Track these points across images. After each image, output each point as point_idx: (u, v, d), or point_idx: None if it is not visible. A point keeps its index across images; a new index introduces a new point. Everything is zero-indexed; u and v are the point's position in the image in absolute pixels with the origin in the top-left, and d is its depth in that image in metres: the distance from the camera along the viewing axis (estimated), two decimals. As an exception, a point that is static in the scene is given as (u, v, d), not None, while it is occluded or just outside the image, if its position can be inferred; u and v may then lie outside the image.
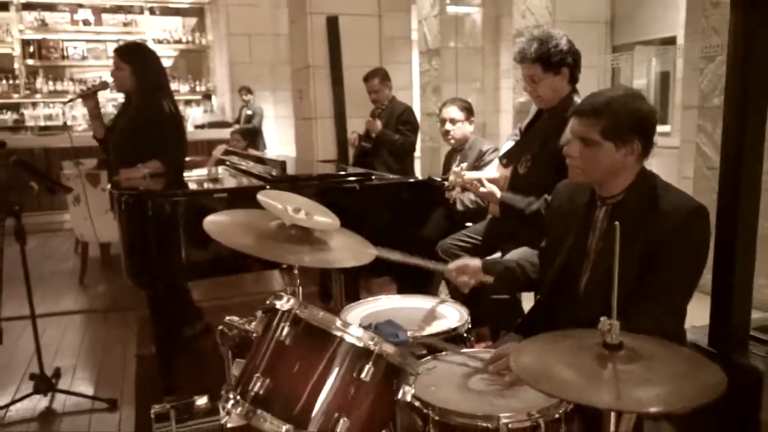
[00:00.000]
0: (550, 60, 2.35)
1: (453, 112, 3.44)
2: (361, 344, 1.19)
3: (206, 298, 4.33)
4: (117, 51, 3.15)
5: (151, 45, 8.97)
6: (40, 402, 2.91)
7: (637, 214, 1.58)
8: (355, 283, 3.24)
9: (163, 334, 2.75)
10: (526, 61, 2.39)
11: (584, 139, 1.60)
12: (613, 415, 1.15)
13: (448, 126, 3.44)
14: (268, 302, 1.33)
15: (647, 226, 1.55)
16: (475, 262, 1.93)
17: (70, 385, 3.06)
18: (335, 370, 1.19)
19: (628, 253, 1.44)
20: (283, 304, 1.27)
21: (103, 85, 3.27)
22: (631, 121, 1.56)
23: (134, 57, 3.12)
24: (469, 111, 3.44)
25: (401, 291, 2.78)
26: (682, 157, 5.76)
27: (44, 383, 2.87)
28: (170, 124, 3.16)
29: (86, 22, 9.31)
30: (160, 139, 3.08)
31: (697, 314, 1.92)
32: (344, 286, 3.16)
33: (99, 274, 5.23)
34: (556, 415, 1.34)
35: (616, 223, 1.16)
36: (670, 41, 7.43)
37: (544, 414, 1.33)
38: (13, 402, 2.84)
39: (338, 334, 1.19)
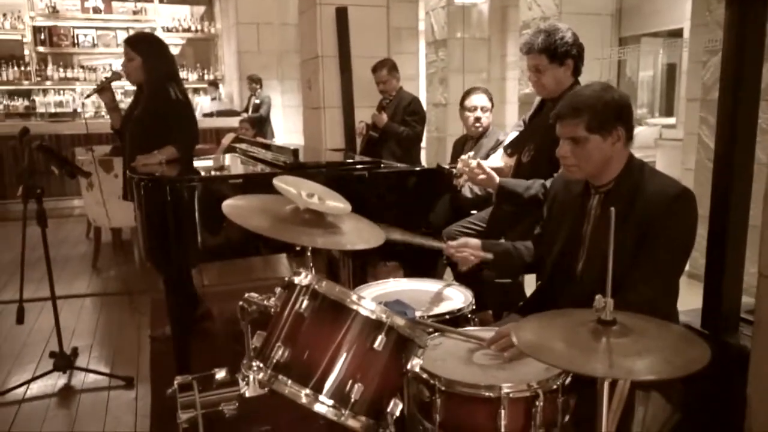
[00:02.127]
0: (556, 51, 2.43)
1: (483, 100, 3.50)
2: (374, 316, 1.29)
3: (215, 283, 4.46)
4: (128, 42, 3.23)
5: (160, 33, 9.07)
6: (59, 379, 3.03)
7: (627, 199, 1.68)
8: (363, 269, 3.33)
9: (178, 315, 2.85)
10: (532, 52, 2.47)
11: (572, 138, 1.71)
12: (606, 386, 1.25)
13: (478, 113, 3.49)
14: (287, 278, 1.43)
15: (636, 210, 1.66)
16: (475, 241, 2.03)
17: (87, 364, 3.18)
18: (350, 341, 1.29)
19: (619, 237, 1.54)
20: (302, 279, 1.37)
21: (116, 76, 3.35)
22: (609, 110, 1.67)
23: (145, 48, 3.20)
24: (491, 99, 3.53)
25: (408, 276, 2.88)
26: (685, 149, 5.82)
27: (64, 361, 2.99)
28: (180, 111, 3.24)
29: (96, 10, 9.39)
30: (171, 127, 3.16)
31: (691, 299, 2.01)
32: (352, 271, 3.27)
33: (111, 259, 5.36)
34: (554, 386, 1.44)
35: (612, 208, 1.26)
36: (678, 33, 7.46)
37: (543, 385, 1.43)
38: (33, 378, 2.96)
39: (353, 307, 1.29)
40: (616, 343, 1.21)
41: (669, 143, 6.47)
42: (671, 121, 7.43)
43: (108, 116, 3.49)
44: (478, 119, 3.51)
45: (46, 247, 2.90)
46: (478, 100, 3.52)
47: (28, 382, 2.94)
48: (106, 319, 3.92)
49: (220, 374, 1.78)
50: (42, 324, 3.70)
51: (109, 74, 3.41)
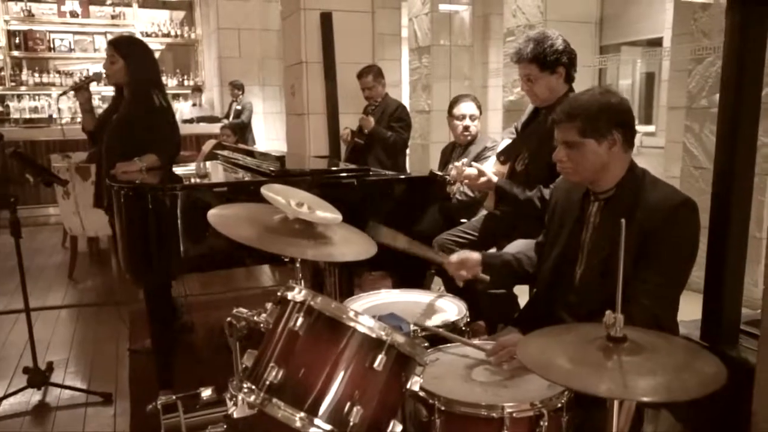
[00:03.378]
0: (546, 60, 2.39)
1: (471, 108, 3.45)
2: (373, 335, 1.22)
3: (197, 293, 4.35)
4: (112, 44, 3.12)
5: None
6: (33, 396, 2.90)
7: (628, 207, 1.64)
8: (350, 279, 3.26)
9: (160, 329, 2.75)
10: (522, 61, 2.43)
11: (567, 143, 1.69)
12: (617, 406, 1.19)
13: (467, 122, 3.45)
14: (279, 293, 1.35)
15: (637, 219, 1.62)
16: (475, 256, 1.97)
17: (63, 380, 3.06)
18: (348, 360, 1.21)
19: (619, 246, 1.50)
20: (296, 295, 1.29)
21: (96, 77, 3.26)
22: (603, 114, 1.64)
23: (129, 51, 3.10)
24: (479, 107, 3.48)
25: (396, 286, 2.81)
26: (668, 157, 5.86)
27: (38, 376, 2.86)
28: (162, 118, 3.16)
29: (73, 14, 9.20)
30: (153, 134, 3.08)
31: (689, 310, 1.97)
32: (338, 281, 3.19)
33: (88, 269, 5.21)
34: (558, 405, 1.38)
35: (622, 220, 1.21)
36: (657, 42, 7.53)
37: (547, 404, 1.37)
38: (6, 396, 2.83)
39: (351, 324, 1.22)
40: (627, 361, 1.16)
41: (649, 151, 6.52)
42: (650, 129, 7.50)
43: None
44: (467, 128, 3.47)
45: (20, 257, 2.78)
46: (466, 108, 3.48)
47: (1, 399, 2.81)
48: (82, 332, 3.79)
49: (206, 393, 1.69)
50: (15, 337, 3.57)
51: (89, 75, 3.31)
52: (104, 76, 3.17)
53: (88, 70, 9.37)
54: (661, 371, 1.12)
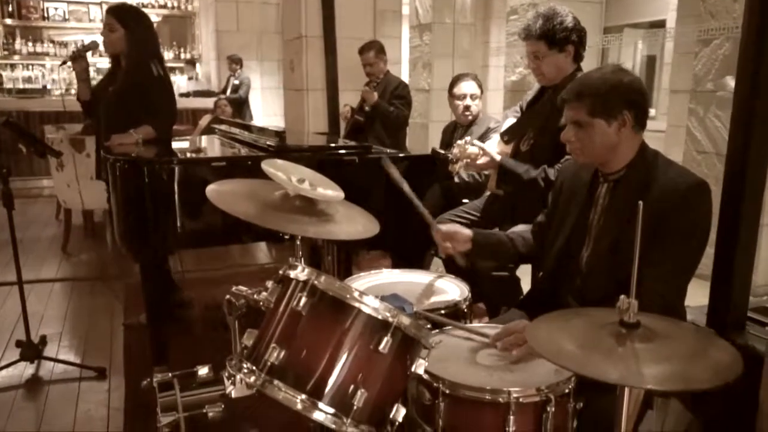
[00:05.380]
0: (555, 37, 2.33)
1: (473, 87, 3.39)
2: (379, 316, 1.17)
3: (193, 269, 4.30)
4: (112, 12, 3.06)
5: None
6: (26, 369, 2.87)
7: (638, 189, 1.59)
8: (348, 257, 3.22)
9: (155, 304, 2.71)
10: (530, 38, 2.37)
11: (576, 122, 1.65)
12: (627, 393, 1.16)
13: (468, 101, 3.39)
14: (281, 272, 1.31)
15: (649, 200, 1.57)
16: (467, 231, 1.93)
17: (56, 354, 3.03)
18: (352, 342, 1.17)
19: (630, 229, 1.45)
20: (298, 273, 1.25)
21: (93, 45, 3.18)
22: (613, 94, 1.59)
23: (129, 19, 3.05)
24: (480, 86, 3.41)
25: (394, 266, 2.77)
26: (669, 141, 5.81)
27: (31, 350, 2.83)
28: (160, 88, 3.11)
29: (68, -17, 9.02)
30: (150, 104, 3.03)
31: (691, 295, 1.94)
32: (336, 260, 3.15)
33: (82, 242, 5.15)
34: (566, 390, 1.35)
35: (640, 202, 1.16)
36: (659, 24, 7.43)
37: (554, 389, 1.34)
38: (-2, 369, 2.80)
39: (356, 305, 1.17)
40: (641, 348, 1.12)
41: (650, 134, 6.45)
42: (650, 112, 7.45)
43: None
44: (467, 107, 3.42)
45: (13, 228, 2.73)
46: (467, 87, 3.42)
47: (-7, 372, 2.78)
48: (76, 306, 3.74)
49: (203, 371, 1.65)
50: (8, 310, 3.52)
51: (86, 43, 3.22)
52: (102, 44, 3.10)
53: (82, 40, 9.19)
54: (676, 359, 1.08)
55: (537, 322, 1.27)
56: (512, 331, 1.50)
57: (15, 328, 3.23)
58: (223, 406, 1.48)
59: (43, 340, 3.04)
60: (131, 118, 2.98)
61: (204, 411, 1.47)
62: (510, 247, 1.98)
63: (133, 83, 3.02)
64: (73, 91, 8.70)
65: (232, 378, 1.34)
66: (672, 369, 1.07)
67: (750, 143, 1.73)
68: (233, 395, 1.36)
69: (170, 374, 1.59)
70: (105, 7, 9.05)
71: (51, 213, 6.07)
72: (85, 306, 3.75)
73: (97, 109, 3.16)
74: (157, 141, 3.01)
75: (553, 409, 1.32)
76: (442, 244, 1.93)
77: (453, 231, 1.93)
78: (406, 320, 1.20)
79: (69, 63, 3.10)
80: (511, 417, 1.31)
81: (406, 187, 1.93)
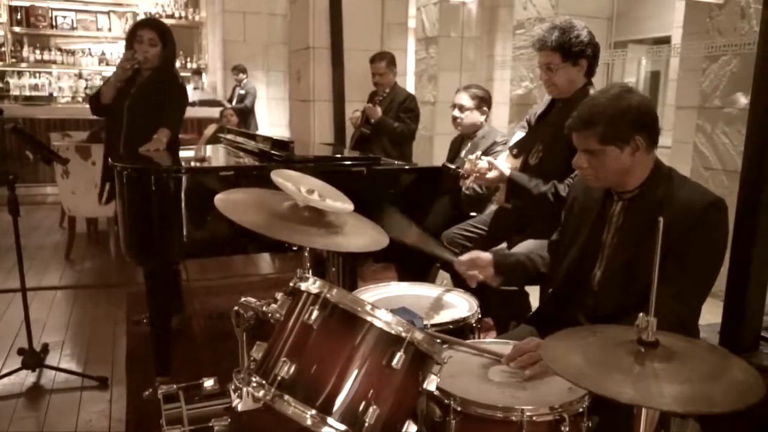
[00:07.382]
0: (570, 50, 2.32)
1: (462, 99, 3.38)
2: (392, 331, 1.15)
3: (197, 278, 4.28)
4: (155, 28, 3.20)
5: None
6: (28, 378, 2.84)
7: (654, 208, 1.56)
8: (353, 269, 3.20)
9: (159, 313, 2.68)
10: (545, 49, 2.36)
11: (587, 151, 1.61)
12: (644, 414, 1.13)
13: (456, 113, 3.38)
14: (292, 284, 1.28)
15: (666, 218, 1.54)
16: (486, 255, 1.89)
17: (58, 362, 3.00)
18: (364, 357, 1.15)
19: (646, 247, 1.43)
20: (310, 286, 1.23)
21: (137, 61, 3.21)
22: (624, 119, 1.55)
23: (169, 36, 3.25)
24: (481, 100, 3.36)
25: (400, 279, 2.75)
26: (675, 157, 5.79)
27: (33, 358, 2.81)
28: (180, 95, 3.30)
29: (76, -9, 9.07)
30: (168, 108, 3.18)
31: (701, 312, 1.91)
32: (342, 272, 3.12)
33: (86, 250, 5.13)
34: (580, 409, 1.32)
35: (660, 218, 1.14)
36: (664, 41, 7.44)
37: (567, 408, 1.31)
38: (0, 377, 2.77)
39: (368, 318, 1.15)
40: (660, 368, 1.09)
41: (656, 151, 6.45)
42: (659, 127, 7.44)
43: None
44: (455, 118, 3.39)
45: (18, 235, 2.71)
46: (458, 98, 3.40)
47: (-6, 380, 2.75)
48: (79, 314, 3.72)
49: (208, 383, 1.63)
50: (10, 317, 3.50)
51: (131, 59, 3.18)
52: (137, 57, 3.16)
53: (89, 48, 9.26)
54: (696, 379, 1.06)
55: (552, 340, 1.24)
56: (525, 351, 1.47)
57: (17, 336, 3.21)
58: (229, 420, 1.45)
59: (45, 348, 3.01)
60: (154, 123, 3.11)
61: (210, 425, 1.44)
62: (531, 268, 1.92)
63: (166, 93, 3.17)
64: (80, 98, 8.75)
65: (239, 391, 1.32)
66: (693, 390, 1.04)
67: (764, 162, 1.71)
68: (239, 408, 1.34)
69: (175, 386, 1.57)
70: (112, 17, 9.14)
71: (55, 220, 6.05)
72: (88, 314, 3.72)
73: (113, 113, 3.22)
74: (168, 148, 3.06)
75: (567, 428, 1.29)
76: (468, 274, 1.88)
77: (474, 258, 1.89)
78: (419, 335, 1.17)
79: (136, 63, 3.16)
80: (524, 436, 1.28)
81: (412, 238, 1.88)
